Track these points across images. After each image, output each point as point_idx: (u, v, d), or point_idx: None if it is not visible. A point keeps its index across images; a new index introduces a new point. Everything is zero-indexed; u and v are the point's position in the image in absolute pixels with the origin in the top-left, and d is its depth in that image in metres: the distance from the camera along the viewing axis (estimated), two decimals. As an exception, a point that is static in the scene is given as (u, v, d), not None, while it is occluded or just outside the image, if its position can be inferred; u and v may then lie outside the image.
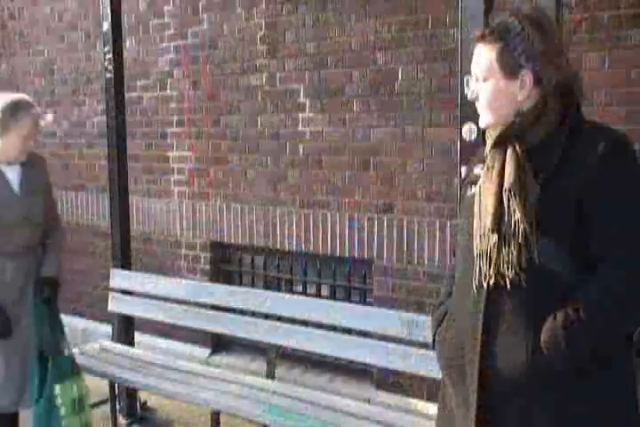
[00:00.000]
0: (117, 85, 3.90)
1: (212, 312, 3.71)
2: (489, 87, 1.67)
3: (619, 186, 1.56)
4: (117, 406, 3.78)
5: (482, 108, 1.71)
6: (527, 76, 1.63)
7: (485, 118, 1.72)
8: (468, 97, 1.75)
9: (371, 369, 3.87)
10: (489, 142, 1.70)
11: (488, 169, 1.67)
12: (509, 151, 1.63)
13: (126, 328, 3.97)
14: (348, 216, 3.90)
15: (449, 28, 3.44)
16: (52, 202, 3.38)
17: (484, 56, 1.67)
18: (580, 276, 1.56)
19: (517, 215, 1.56)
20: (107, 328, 4.56)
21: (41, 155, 3.42)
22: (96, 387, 3.51)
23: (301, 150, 4.07)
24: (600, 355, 1.54)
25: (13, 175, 3.16)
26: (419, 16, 3.58)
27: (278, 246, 4.20)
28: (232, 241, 4.42)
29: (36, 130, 3.12)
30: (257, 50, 4.21)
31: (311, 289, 4.21)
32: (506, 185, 1.59)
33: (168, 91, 4.67)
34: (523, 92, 1.64)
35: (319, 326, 3.47)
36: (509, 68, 1.63)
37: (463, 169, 2.34)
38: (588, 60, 3.08)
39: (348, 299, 4.02)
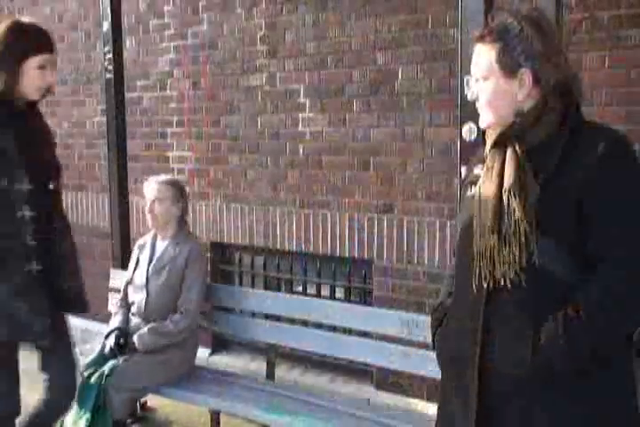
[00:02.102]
0: (117, 85, 3.90)
1: (212, 312, 3.71)
2: (489, 87, 1.68)
3: (619, 186, 1.55)
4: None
5: (482, 108, 1.72)
6: (526, 76, 1.63)
7: (486, 118, 1.72)
8: (469, 97, 1.75)
9: (371, 369, 3.87)
10: (489, 142, 1.70)
11: (488, 169, 1.67)
12: (509, 151, 1.63)
13: (126, 328, 3.97)
14: (348, 216, 3.90)
15: (449, 28, 3.44)
16: (188, 294, 3.35)
17: (483, 56, 1.68)
18: (580, 276, 1.56)
19: (517, 215, 1.56)
20: (106, 328, 4.56)
21: (198, 241, 3.58)
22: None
23: (301, 150, 4.07)
24: (600, 355, 1.54)
25: (160, 250, 3.46)
26: (419, 16, 3.58)
27: (278, 246, 4.20)
28: (232, 241, 4.42)
29: (152, 203, 3.42)
30: (257, 50, 4.21)
31: (311, 289, 4.21)
32: (506, 185, 1.60)
33: (168, 91, 4.67)
34: (522, 91, 1.64)
35: (319, 326, 3.47)
36: (509, 67, 1.64)
37: (463, 169, 2.34)
38: (588, 60, 3.08)
39: (347, 299, 4.02)
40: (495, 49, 1.65)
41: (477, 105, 1.74)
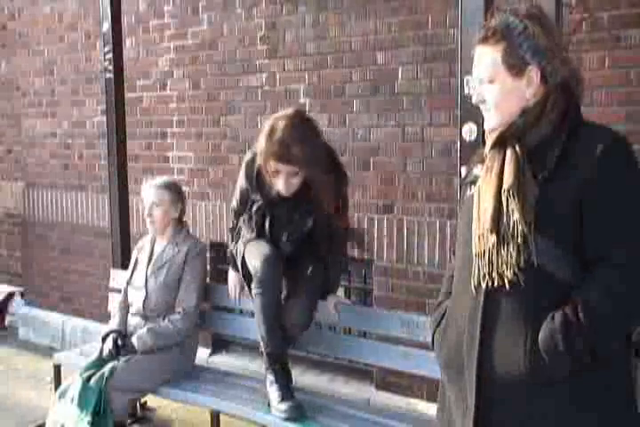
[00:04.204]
0: (117, 85, 3.89)
1: (212, 312, 3.70)
2: (496, 88, 1.66)
3: (618, 186, 1.55)
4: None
5: (489, 110, 1.70)
6: (534, 73, 1.63)
7: (493, 121, 1.70)
8: (473, 101, 1.74)
9: (371, 369, 3.87)
10: (488, 142, 1.70)
11: (487, 169, 1.67)
12: (509, 152, 1.63)
13: (126, 328, 3.97)
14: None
15: (449, 28, 3.44)
16: (186, 293, 3.35)
17: (487, 57, 1.66)
18: (580, 276, 1.56)
19: (516, 216, 1.56)
20: (106, 328, 4.55)
21: (200, 242, 3.57)
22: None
23: (301, 150, 4.06)
24: (599, 355, 1.54)
25: (158, 251, 3.47)
26: (419, 16, 3.57)
27: (278, 246, 4.19)
28: (232, 241, 4.41)
29: (151, 208, 3.41)
30: (257, 50, 4.21)
31: (311, 289, 4.19)
32: (505, 186, 1.59)
33: (168, 91, 4.67)
34: (530, 89, 1.64)
35: (319, 326, 3.47)
36: (516, 66, 1.63)
37: (463, 169, 2.33)
38: (588, 60, 3.08)
39: (348, 299, 4.01)
40: (500, 49, 1.64)
41: (482, 107, 1.72)
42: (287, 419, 2.85)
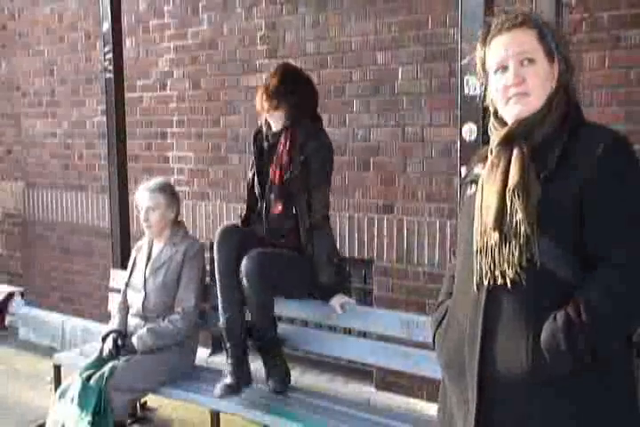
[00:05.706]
0: (117, 85, 3.89)
1: (212, 312, 3.70)
2: (539, 69, 1.64)
3: (618, 186, 1.55)
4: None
5: (528, 92, 1.64)
6: (557, 64, 1.65)
7: (529, 105, 1.64)
8: (512, 81, 1.64)
9: (371, 369, 3.87)
10: (496, 140, 1.68)
11: (492, 166, 1.66)
12: (516, 151, 1.62)
13: (126, 328, 3.96)
14: (348, 216, 3.90)
15: (449, 27, 3.44)
16: (185, 293, 3.35)
17: (524, 39, 1.65)
18: (580, 276, 1.56)
19: (519, 216, 1.56)
20: (106, 328, 4.55)
21: (198, 242, 3.54)
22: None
23: (301, 150, 4.06)
24: (600, 355, 1.53)
25: (157, 251, 3.48)
26: (419, 16, 3.58)
27: (278, 246, 4.19)
28: (232, 241, 4.41)
29: (147, 212, 3.40)
30: (257, 50, 4.21)
31: (311, 289, 4.20)
32: (510, 185, 1.59)
33: (168, 91, 4.67)
34: (554, 80, 1.66)
35: (319, 325, 3.47)
36: (549, 51, 1.65)
37: (463, 169, 2.34)
38: (588, 60, 3.08)
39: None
40: (534, 34, 1.65)
41: (515, 91, 1.64)
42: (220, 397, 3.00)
